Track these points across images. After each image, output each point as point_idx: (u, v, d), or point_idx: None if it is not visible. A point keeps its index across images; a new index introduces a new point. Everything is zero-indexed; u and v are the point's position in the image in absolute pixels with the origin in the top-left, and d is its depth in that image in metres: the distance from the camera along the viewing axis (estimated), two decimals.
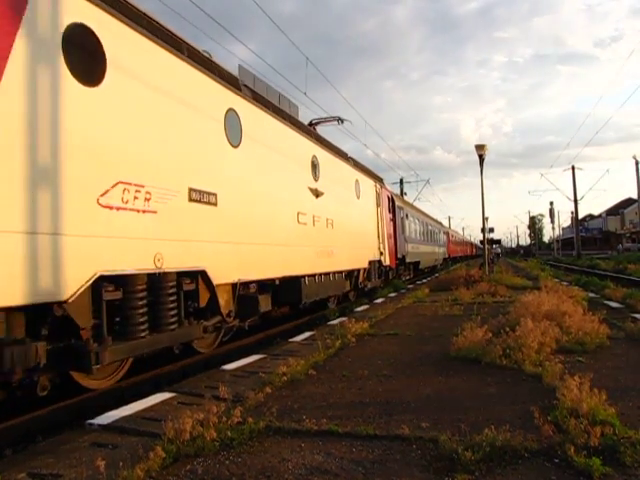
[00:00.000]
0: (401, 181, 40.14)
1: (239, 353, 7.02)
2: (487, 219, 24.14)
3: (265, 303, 8.01)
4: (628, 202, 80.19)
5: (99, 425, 3.64)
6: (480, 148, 17.55)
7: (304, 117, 11.06)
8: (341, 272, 11.99)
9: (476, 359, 5.24)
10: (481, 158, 17.63)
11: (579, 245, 45.93)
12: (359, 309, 11.14)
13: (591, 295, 11.73)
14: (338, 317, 9.79)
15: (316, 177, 10.47)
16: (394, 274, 18.88)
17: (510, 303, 9.33)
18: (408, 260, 21.23)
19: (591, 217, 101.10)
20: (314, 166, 10.46)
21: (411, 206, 26.74)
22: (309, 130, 10.85)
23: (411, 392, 4.33)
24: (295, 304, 10.12)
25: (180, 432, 3.11)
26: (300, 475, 2.77)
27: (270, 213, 8.13)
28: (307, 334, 7.60)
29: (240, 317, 7.41)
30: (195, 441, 3.10)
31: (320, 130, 13.46)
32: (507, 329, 5.65)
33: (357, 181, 14.03)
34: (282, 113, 9.17)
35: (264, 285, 8.10)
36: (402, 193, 38.48)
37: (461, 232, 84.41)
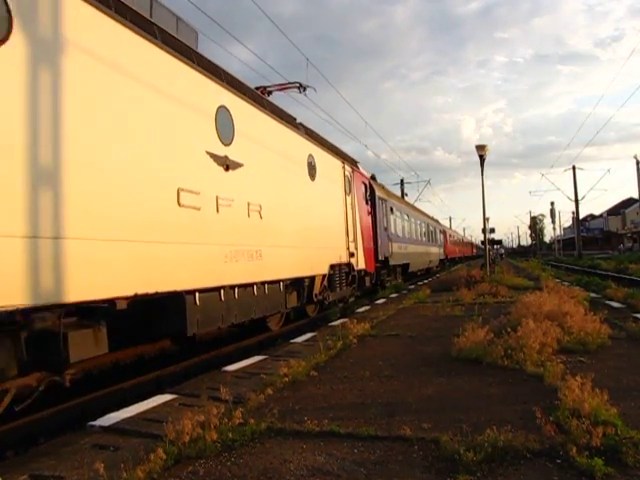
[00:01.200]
0: (402, 182, 40.14)
1: (240, 354, 7.02)
2: (488, 219, 23.86)
3: (85, 346, 4.65)
4: (629, 202, 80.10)
5: (100, 427, 3.64)
6: (481, 148, 17.54)
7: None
8: (278, 282, 8.36)
9: (477, 360, 5.23)
10: (482, 158, 17.62)
11: (580, 245, 45.89)
12: (360, 310, 11.15)
13: (592, 295, 11.71)
14: (339, 318, 9.79)
15: (226, 138, 6.78)
16: (372, 280, 15.06)
17: (511, 303, 9.32)
18: (393, 262, 17.53)
19: (592, 217, 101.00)
20: (223, 121, 6.75)
21: (398, 199, 23.39)
22: (215, 69, 6.83)
23: (412, 393, 4.32)
24: (177, 335, 6.85)
25: (181, 433, 3.11)
26: (301, 476, 2.77)
27: (104, 185, 4.62)
28: (309, 335, 7.61)
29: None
30: (196, 442, 3.10)
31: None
32: (508, 329, 5.64)
33: (311, 157, 10.04)
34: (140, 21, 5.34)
35: (92, 312, 4.85)
36: (403, 194, 38.44)
37: (462, 232, 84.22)
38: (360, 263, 13.02)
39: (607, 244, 77.93)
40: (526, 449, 2.89)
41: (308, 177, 9.85)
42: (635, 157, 37.64)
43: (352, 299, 13.52)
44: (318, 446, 3.19)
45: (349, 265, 12.16)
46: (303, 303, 9.97)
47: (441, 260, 36.19)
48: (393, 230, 18.37)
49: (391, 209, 18.41)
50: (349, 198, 12.40)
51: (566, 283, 15.48)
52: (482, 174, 18.03)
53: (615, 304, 9.91)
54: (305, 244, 9.41)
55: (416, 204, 36.48)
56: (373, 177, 20.47)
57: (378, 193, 16.32)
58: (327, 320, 9.96)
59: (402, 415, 3.69)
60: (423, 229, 27.51)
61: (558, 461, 2.78)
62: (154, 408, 4.06)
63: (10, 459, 3.78)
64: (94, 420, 3.75)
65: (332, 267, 10.86)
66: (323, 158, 10.79)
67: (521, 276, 19.73)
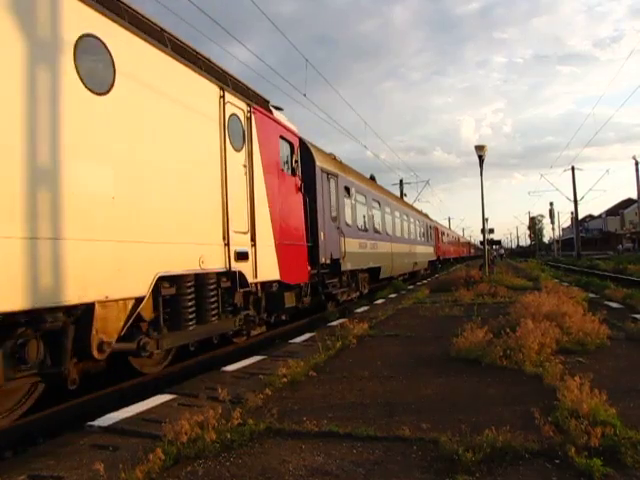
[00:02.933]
0: (401, 182, 40.18)
1: (240, 354, 7.01)
2: (487, 220, 23.78)
3: None
4: (628, 202, 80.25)
5: (99, 427, 3.64)
6: (480, 149, 17.56)
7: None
8: None
9: (476, 360, 5.24)
10: (481, 159, 17.64)
11: (579, 245, 45.94)
12: (359, 310, 11.14)
13: (591, 296, 11.73)
14: (338, 318, 9.78)
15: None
16: (306, 294, 9.79)
17: (510, 304, 9.33)
18: (349, 267, 12.58)
19: (591, 217, 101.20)
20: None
21: (364, 179, 16.37)
22: None
23: (412, 393, 4.33)
24: None
25: (180, 434, 3.11)
26: (300, 476, 2.77)
27: None
28: (307, 335, 7.60)
29: None
30: (195, 443, 3.10)
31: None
32: (507, 330, 5.64)
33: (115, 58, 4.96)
34: None
35: None
36: (402, 194, 38.40)
37: (461, 232, 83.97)
38: (265, 271, 7.63)
39: (606, 245, 78.07)
40: (525, 449, 2.89)
41: (86, 93, 4.60)
42: (634, 158, 37.72)
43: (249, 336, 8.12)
44: (317, 446, 3.18)
45: (234, 275, 6.79)
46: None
47: (431, 262, 31.06)
48: (349, 220, 13.16)
49: (347, 190, 13.21)
50: (241, 157, 7.13)
51: (565, 283, 15.49)
52: (481, 174, 18.05)
53: (614, 304, 9.93)
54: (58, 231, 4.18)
55: (415, 204, 35.97)
56: (372, 177, 20.24)
57: (321, 164, 11.12)
58: (326, 320, 9.96)
59: (401, 415, 3.70)
60: (405, 223, 22.26)
61: (557, 461, 2.79)
62: (153, 408, 4.05)
63: (9, 459, 3.77)
64: (93, 420, 3.75)
65: (170, 282, 5.68)
66: (159, 68, 5.63)
67: (520, 276, 19.74)
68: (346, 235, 12.46)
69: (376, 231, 16.19)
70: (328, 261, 11.09)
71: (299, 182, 9.42)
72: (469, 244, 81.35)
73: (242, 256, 6.98)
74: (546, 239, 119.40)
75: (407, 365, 5.42)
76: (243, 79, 7.62)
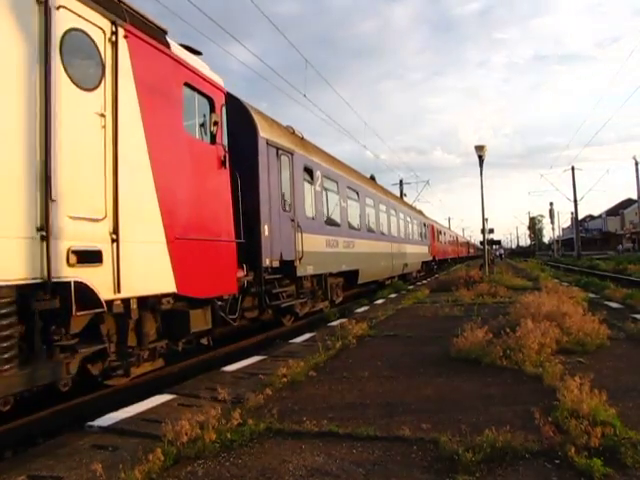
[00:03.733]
0: (401, 182, 40.19)
1: (240, 354, 7.01)
2: (487, 220, 23.75)
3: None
4: (628, 202, 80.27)
5: (99, 427, 3.64)
6: (480, 149, 17.57)
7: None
8: None
9: (476, 360, 5.24)
10: (481, 159, 17.65)
11: (579, 246, 45.98)
12: (359, 310, 11.14)
13: (591, 296, 11.73)
14: (338, 318, 9.78)
15: None
16: (235, 311, 7.30)
17: (510, 304, 9.32)
18: (315, 270, 10.17)
19: (591, 217, 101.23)
20: None
21: (335, 162, 13.10)
22: None
23: (411, 393, 4.32)
24: None
25: (180, 434, 3.11)
26: (300, 476, 2.77)
27: None
28: (307, 335, 7.60)
29: None
30: (195, 443, 3.10)
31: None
32: (507, 330, 5.64)
33: None
34: None
35: None
36: (402, 194, 38.39)
37: (461, 232, 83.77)
38: (142, 280, 5.10)
39: (606, 244, 78.10)
40: (525, 449, 2.89)
41: None
42: (634, 158, 37.75)
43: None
44: (317, 446, 3.18)
45: (66, 289, 4.20)
46: None
47: (426, 263, 28.59)
48: (311, 212, 10.41)
49: (308, 173, 10.39)
50: (93, 100, 4.71)
51: (565, 283, 15.49)
52: (481, 174, 18.07)
53: (614, 304, 9.93)
54: None
55: (415, 204, 35.71)
56: (372, 177, 20.16)
57: (267, 135, 8.55)
58: (326, 320, 9.96)
59: (401, 415, 3.69)
60: (394, 219, 19.61)
61: (557, 461, 2.79)
62: (153, 408, 4.05)
63: (9, 459, 3.77)
64: (93, 420, 3.75)
65: None
66: None
67: (520, 276, 19.75)
68: (305, 230, 9.69)
69: (353, 227, 13.53)
70: (276, 264, 8.47)
71: (222, 153, 6.71)
72: (468, 244, 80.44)
73: (88, 257, 4.40)
74: (546, 239, 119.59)
75: (407, 365, 5.42)
76: None
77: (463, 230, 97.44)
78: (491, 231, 47.17)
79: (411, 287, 18.41)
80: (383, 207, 17.87)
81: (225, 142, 6.96)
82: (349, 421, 3.58)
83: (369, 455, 3.02)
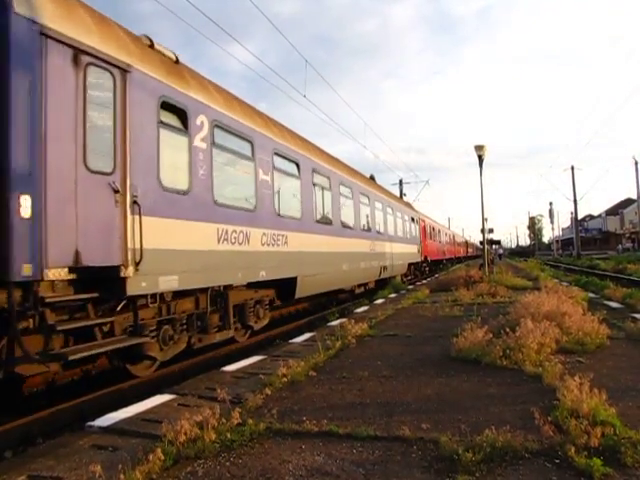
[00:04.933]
0: (400, 182, 40.12)
1: (239, 354, 7.02)
2: (487, 220, 23.67)
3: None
4: (628, 202, 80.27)
5: (99, 427, 3.64)
6: (479, 149, 17.54)
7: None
8: None
9: (476, 360, 5.24)
10: (480, 159, 17.63)
11: (579, 245, 46.00)
12: (359, 310, 11.14)
13: (591, 295, 11.73)
14: (338, 318, 9.78)
15: None
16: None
17: (510, 304, 9.32)
18: (192, 283, 6.23)
19: (591, 217, 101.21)
20: None
21: (245, 108, 8.33)
22: None
23: (411, 393, 4.32)
24: None
25: (180, 434, 3.11)
26: (300, 476, 2.77)
27: None
28: (307, 335, 7.60)
29: None
30: (195, 443, 3.10)
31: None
32: (507, 330, 5.64)
33: None
34: None
35: None
36: (401, 194, 38.35)
37: (460, 232, 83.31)
38: None
39: (606, 244, 78.13)
40: (525, 449, 2.89)
41: None
42: (634, 157, 37.77)
43: None
44: (317, 446, 3.18)
45: None
46: None
47: (414, 264, 24.20)
48: (174, 180, 6.07)
49: (177, 113, 6.25)
50: None
51: (565, 283, 15.50)
52: (481, 174, 18.04)
53: (614, 304, 9.93)
54: None
55: (415, 204, 35.39)
56: (372, 177, 20.14)
57: (36, 13, 4.32)
58: (326, 320, 9.96)
59: (401, 415, 3.69)
60: (366, 209, 15.56)
61: (557, 461, 2.79)
62: (153, 408, 4.05)
63: (9, 460, 3.78)
64: (92, 420, 3.75)
65: None
66: None
67: (520, 276, 19.73)
68: (157, 211, 5.66)
69: (286, 215, 9.26)
70: (62, 273, 4.46)
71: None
72: (467, 243, 78.56)
73: None
74: (546, 239, 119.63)
75: (407, 365, 5.42)
76: None
77: (463, 230, 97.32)
78: (491, 231, 47.16)
79: (411, 287, 18.40)
80: (348, 191, 13.59)
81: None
82: (349, 421, 3.58)
83: (369, 455, 3.02)
